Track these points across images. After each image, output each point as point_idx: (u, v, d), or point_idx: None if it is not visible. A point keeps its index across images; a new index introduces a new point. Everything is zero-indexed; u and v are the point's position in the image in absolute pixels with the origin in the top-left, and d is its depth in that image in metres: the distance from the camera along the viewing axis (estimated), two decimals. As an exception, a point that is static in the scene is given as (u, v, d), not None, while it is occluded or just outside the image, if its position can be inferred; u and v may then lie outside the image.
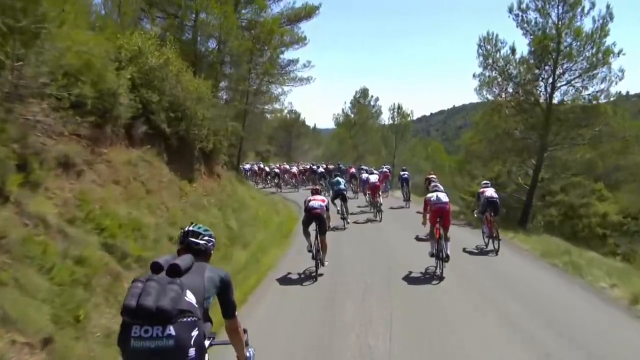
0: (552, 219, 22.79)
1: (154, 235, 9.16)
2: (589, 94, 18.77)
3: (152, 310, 2.61)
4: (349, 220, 16.95)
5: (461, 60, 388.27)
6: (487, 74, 21.28)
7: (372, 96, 53.28)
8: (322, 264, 9.89)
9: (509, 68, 20.45)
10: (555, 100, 19.80)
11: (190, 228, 3.50)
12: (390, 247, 13.49)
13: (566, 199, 22.59)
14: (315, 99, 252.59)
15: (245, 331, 3.59)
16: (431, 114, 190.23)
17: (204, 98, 15.17)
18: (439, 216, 9.90)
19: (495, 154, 22.63)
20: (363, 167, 26.03)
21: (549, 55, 19.06)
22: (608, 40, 18.17)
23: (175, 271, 2.84)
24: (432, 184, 11.27)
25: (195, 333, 2.71)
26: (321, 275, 9.75)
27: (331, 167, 30.83)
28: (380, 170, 24.24)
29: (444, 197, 10.13)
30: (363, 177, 21.14)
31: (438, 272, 9.67)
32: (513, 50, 20.36)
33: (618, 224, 21.44)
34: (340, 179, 17.24)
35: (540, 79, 19.72)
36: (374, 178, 19.15)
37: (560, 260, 11.38)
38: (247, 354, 3.53)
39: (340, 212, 16.62)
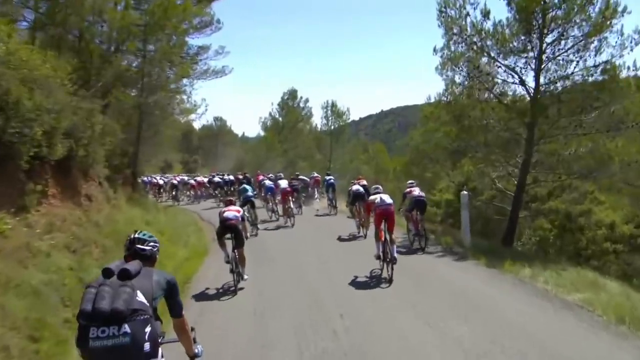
0: (545, 233, 18.07)
1: None
2: (592, 66, 14.10)
3: (107, 312, 2.93)
4: (259, 227, 16.98)
5: (388, 63, 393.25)
6: (453, 47, 16.36)
7: (301, 97, 48.83)
8: (242, 278, 9.63)
9: (481, 38, 15.58)
10: (545, 79, 15.14)
11: (136, 236, 3.75)
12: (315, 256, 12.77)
13: (561, 207, 17.91)
14: (244, 108, 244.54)
15: (192, 329, 3.87)
16: (360, 118, 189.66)
17: (49, 82, 9.41)
18: (383, 218, 9.91)
19: (465, 152, 17.77)
20: (270, 175, 24.96)
21: (535, 16, 14.35)
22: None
23: (125, 275, 3.17)
24: (373, 186, 11.58)
25: (148, 329, 3.06)
26: (241, 289, 9.41)
27: (240, 176, 27.88)
28: (310, 176, 24.57)
29: (387, 198, 10.20)
30: (267, 184, 19.99)
31: (385, 275, 9.70)
32: (486, 14, 15.44)
33: (630, 236, 16.99)
34: (247, 187, 17.55)
35: (527, 49, 14.93)
36: (284, 183, 18.90)
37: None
38: (196, 350, 3.83)
39: (249, 219, 15.87)
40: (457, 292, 8.66)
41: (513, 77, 15.53)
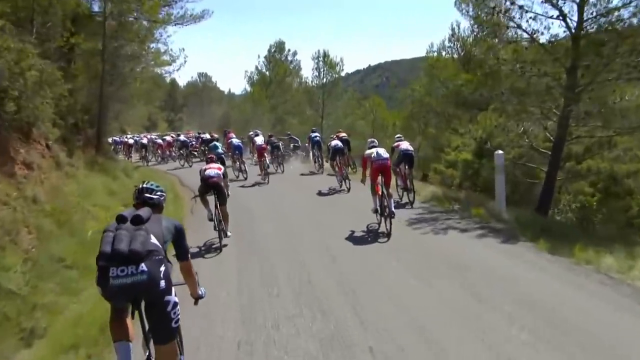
0: (587, 199, 15.40)
1: None
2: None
3: (125, 253, 3.22)
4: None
5: (377, 18, 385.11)
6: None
7: (289, 50, 45.78)
8: (225, 235, 9.41)
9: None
10: (590, 12, 12.38)
11: (144, 185, 4.07)
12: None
13: (603, 166, 15.24)
14: (231, 64, 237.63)
15: (196, 273, 4.15)
16: (347, 73, 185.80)
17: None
18: (380, 172, 9.72)
19: (487, 103, 15.08)
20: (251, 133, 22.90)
21: None
22: None
23: (138, 220, 3.42)
24: (369, 140, 11.23)
25: (163, 268, 3.39)
26: (225, 246, 9.10)
27: (215, 135, 26.45)
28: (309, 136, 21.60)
29: (384, 152, 9.96)
30: (234, 142, 19.18)
31: (384, 229, 9.44)
32: None
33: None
34: (218, 144, 17.50)
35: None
36: (260, 140, 18.53)
37: None
38: (200, 292, 4.17)
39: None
40: (535, 308, 5.65)
41: (551, 9, 12.63)
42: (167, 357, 3.57)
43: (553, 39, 13.02)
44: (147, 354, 3.64)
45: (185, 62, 23.37)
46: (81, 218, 10.39)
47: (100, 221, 10.58)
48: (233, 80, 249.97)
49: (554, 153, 13.14)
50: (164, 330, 3.50)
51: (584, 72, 12.29)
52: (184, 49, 23.90)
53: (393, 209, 9.35)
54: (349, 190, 14.42)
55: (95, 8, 17.59)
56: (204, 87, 79.34)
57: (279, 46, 46.37)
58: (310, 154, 20.20)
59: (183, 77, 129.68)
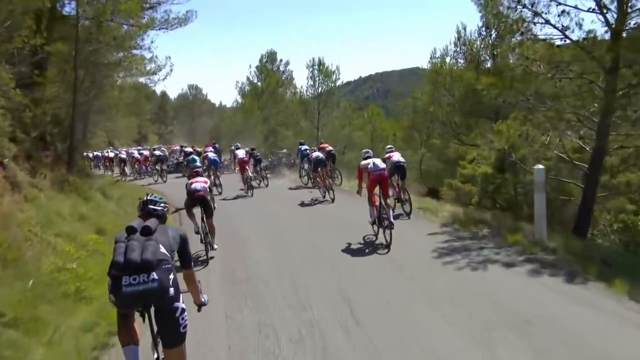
0: (630, 218, 13.54)
1: None
2: None
3: (138, 262, 3.35)
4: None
5: (367, 29, 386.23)
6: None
7: (280, 60, 44.05)
8: (212, 248, 9.49)
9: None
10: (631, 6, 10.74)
11: (148, 198, 4.22)
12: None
13: (643, 180, 13.40)
14: (222, 77, 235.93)
15: (199, 281, 4.27)
16: (338, 85, 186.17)
17: None
18: (377, 183, 9.56)
19: (506, 110, 13.36)
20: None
21: None
22: None
23: (148, 231, 3.60)
24: (363, 151, 10.93)
25: (172, 276, 3.51)
26: (212, 258, 9.13)
27: (198, 149, 26.99)
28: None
29: (380, 163, 9.78)
30: (210, 157, 19.11)
31: (383, 240, 9.22)
32: None
33: None
34: (196, 157, 17.64)
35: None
36: (241, 153, 18.56)
37: None
38: (202, 299, 4.28)
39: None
40: None
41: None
42: (176, 358, 3.66)
43: (588, 36, 11.39)
44: (156, 356, 3.76)
45: (171, 70, 21.43)
46: (37, 253, 8.47)
47: (62, 256, 8.77)
48: (224, 93, 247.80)
49: (593, 166, 11.40)
50: (173, 334, 3.60)
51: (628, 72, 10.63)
52: (170, 57, 21.89)
53: (392, 220, 9.15)
54: (333, 200, 14.38)
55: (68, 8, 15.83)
56: (194, 99, 78.57)
57: (271, 56, 44.84)
58: (299, 167, 19.38)
59: (173, 89, 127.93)
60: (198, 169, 14.28)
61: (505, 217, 11.73)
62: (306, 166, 18.14)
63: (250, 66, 46.58)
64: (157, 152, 26.52)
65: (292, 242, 10.09)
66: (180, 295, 3.63)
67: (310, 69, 34.25)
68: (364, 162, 9.93)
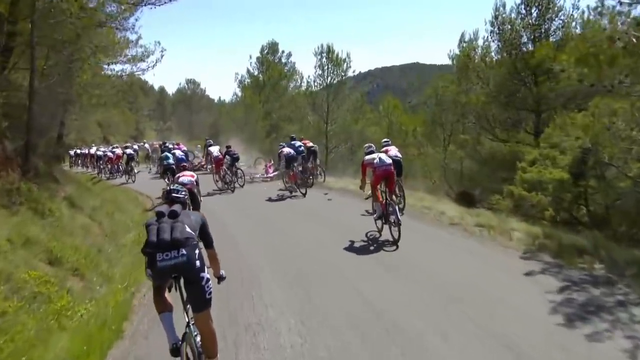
0: None
1: None
2: None
3: (169, 241, 3.93)
4: None
5: (367, 24, 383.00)
6: None
7: (282, 51, 41.13)
8: None
9: None
10: None
11: (171, 187, 4.86)
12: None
13: None
14: (222, 73, 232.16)
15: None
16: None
17: None
18: (383, 179, 9.33)
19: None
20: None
21: None
22: None
23: (174, 214, 4.15)
24: (365, 145, 10.80)
25: (197, 251, 4.07)
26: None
27: (170, 146, 24.72)
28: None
29: (387, 158, 9.51)
30: (177, 154, 18.39)
31: (390, 237, 8.94)
32: None
33: None
34: (169, 154, 17.36)
35: None
36: (215, 151, 18.31)
37: None
38: (221, 272, 4.77)
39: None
40: None
41: None
42: (203, 320, 4.21)
43: None
44: (187, 320, 4.29)
45: (162, 57, 18.38)
46: None
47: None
48: (223, 89, 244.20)
49: None
50: (200, 300, 4.15)
51: None
52: (159, 42, 18.83)
53: (399, 217, 8.89)
54: (304, 195, 14.62)
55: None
56: (192, 94, 76.24)
57: (272, 47, 41.64)
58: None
59: (172, 85, 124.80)
60: (170, 166, 16.09)
61: (608, 242, 8.51)
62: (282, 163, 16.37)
63: (250, 57, 43.22)
64: (129, 151, 25.50)
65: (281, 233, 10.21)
66: (205, 266, 4.19)
67: (319, 57, 30.73)
68: (368, 157, 9.82)
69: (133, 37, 17.61)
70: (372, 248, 8.67)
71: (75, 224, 11.58)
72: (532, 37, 20.07)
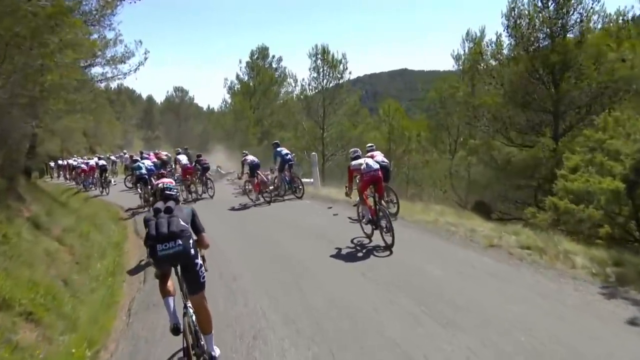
0: None
1: None
2: None
3: (167, 234, 4.40)
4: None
5: (355, 30, 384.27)
6: None
7: (273, 56, 39.75)
8: None
9: None
10: None
11: (164, 186, 5.21)
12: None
13: None
14: (210, 82, 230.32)
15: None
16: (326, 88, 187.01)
17: None
18: (371, 184, 9.30)
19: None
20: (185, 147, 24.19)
21: None
22: None
23: (170, 210, 4.61)
24: (351, 150, 10.61)
25: (191, 241, 4.55)
26: None
27: (146, 155, 25.19)
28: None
29: (374, 163, 9.44)
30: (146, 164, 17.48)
31: (381, 242, 8.93)
32: None
33: None
34: (141, 164, 16.73)
35: None
36: (184, 159, 18.05)
37: None
38: (203, 253, 5.06)
39: (141, 196, 16.16)
40: None
41: None
42: (198, 301, 4.68)
43: None
44: (185, 303, 4.74)
45: (145, 59, 16.83)
46: None
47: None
48: (211, 98, 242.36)
49: None
50: (195, 284, 4.64)
51: None
52: (141, 42, 16.99)
53: (392, 222, 8.76)
54: (269, 204, 14.65)
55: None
56: (180, 102, 75.28)
57: (262, 52, 40.23)
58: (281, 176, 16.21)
59: (160, 94, 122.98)
60: (143, 176, 15.76)
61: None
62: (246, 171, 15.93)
63: (240, 61, 41.49)
64: (101, 162, 24.45)
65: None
66: (198, 254, 4.68)
67: (314, 59, 28.99)
68: (354, 162, 9.75)
69: (111, 35, 15.99)
70: (360, 254, 8.45)
71: (38, 251, 9.51)
72: (549, 32, 18.47)
